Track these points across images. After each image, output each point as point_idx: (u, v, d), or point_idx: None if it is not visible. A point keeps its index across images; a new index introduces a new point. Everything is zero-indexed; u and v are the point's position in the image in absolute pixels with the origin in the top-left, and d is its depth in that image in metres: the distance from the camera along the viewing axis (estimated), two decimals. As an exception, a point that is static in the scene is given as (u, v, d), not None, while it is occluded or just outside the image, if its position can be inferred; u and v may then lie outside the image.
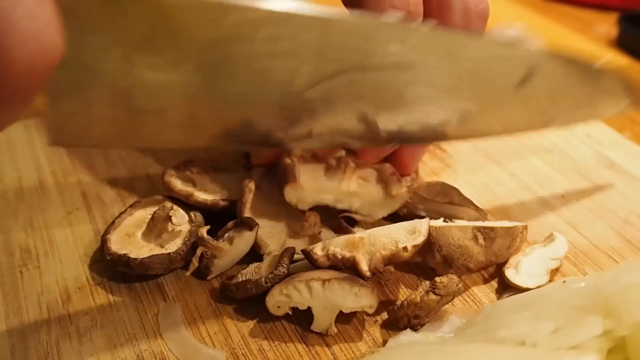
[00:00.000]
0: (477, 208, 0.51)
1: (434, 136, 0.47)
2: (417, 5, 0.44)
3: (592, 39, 0.85)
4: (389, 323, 0.45)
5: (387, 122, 0.44)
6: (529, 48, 0.43)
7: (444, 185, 0.53)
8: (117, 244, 0.49)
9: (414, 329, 0.43)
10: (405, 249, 0.43)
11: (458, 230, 0.46)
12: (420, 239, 0.44)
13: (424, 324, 0.44)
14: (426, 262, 0.47)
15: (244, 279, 0.45)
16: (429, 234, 0.45)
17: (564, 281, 0.44)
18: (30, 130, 0.64)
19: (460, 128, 0.47)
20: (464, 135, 0.49)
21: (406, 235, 0.45)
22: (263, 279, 0.44)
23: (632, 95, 0.52)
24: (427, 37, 0.40)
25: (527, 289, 0.46)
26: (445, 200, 0.51)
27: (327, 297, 0.42)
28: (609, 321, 0.37)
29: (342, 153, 0.51)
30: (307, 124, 0.42)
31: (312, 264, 0.45)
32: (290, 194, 0.47)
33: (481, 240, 0.46)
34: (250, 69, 0.38)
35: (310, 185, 0.47)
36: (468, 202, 0.51)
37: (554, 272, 0.48)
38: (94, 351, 0.43)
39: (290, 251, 0.46)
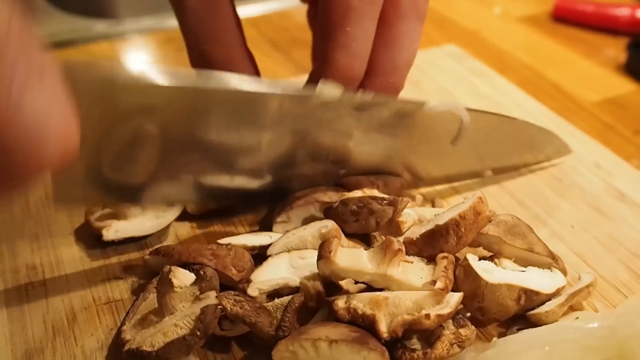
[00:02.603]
0: (553, 257, 0.48)
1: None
2: None
3: (600, 63, 0.85)
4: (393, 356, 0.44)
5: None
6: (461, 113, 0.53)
7: (515, 222, 0.48)
8: (132, 333, 0.44)
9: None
10: (427, 316, 0.41)
11: (506, 289, 0.44)
12: (446, 310, 0.42)
13: (433, 357, 0.43)
14: (464, 305, 0.45)
15: (259, 320, 0.43)
16: (479, 282, 0.43)
17: (577, 317, 0.43)
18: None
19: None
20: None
21: (434, 304, 0.42)
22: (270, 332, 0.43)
23: (553, 144, 0.62)
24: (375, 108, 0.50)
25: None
26: (524, 246, 0.47)
27: (335, 358, 0.40)
28: (623, 364, 0.37)
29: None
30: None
31: (332, 314, 0.43)
32: (323, 268, 0.44)
33: (522, 301, 0.45)
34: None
35: (346, 264, 0.44)
36: (546, 250, 0.48)
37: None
38: (100, 374, 0.43)
39: (293, 307, 0.43)
